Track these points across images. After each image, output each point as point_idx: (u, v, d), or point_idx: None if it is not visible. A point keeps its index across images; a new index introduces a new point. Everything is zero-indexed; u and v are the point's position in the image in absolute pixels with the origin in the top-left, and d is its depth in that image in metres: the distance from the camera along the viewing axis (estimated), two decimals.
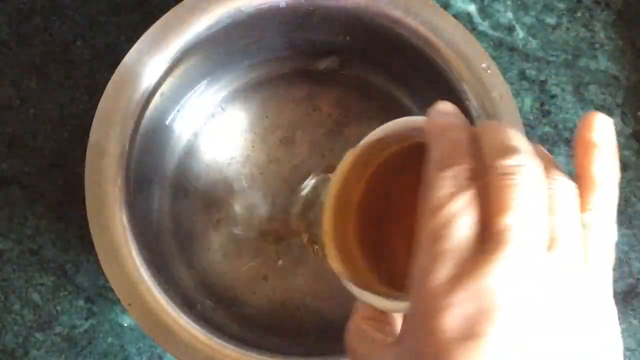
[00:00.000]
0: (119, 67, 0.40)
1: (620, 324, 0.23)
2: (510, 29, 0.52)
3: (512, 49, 0.51)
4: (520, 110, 0.50)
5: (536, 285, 0.21)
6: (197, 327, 0.38)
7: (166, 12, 0.41)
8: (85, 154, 0.39)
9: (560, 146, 0.50)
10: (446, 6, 0.51)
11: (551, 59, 0.51)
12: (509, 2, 0.52)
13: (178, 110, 0.46)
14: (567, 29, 0.52)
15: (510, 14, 0.52)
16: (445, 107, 0.26)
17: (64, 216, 0.48)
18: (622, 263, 0.49)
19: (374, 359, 0.26)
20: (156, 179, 0.46)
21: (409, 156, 0.28)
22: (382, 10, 0.41)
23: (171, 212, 0.46)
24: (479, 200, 0.22)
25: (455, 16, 0.46)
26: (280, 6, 0.42)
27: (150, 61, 0.40)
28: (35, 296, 0.47)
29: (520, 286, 0.21)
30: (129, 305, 0.37)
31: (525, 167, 0.22)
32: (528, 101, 0.51)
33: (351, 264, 0.30)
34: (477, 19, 0.52)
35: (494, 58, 0.41)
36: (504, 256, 0.21)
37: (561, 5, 0.52)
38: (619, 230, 0.24)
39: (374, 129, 0.28)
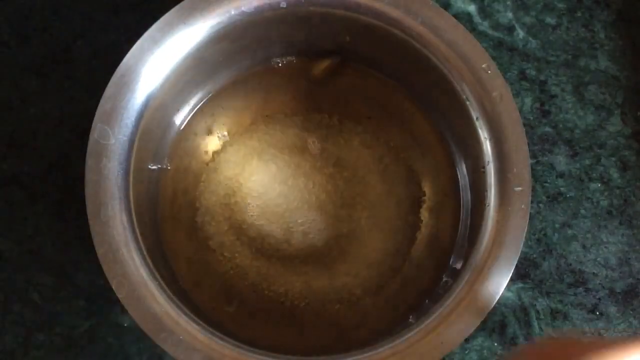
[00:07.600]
0: (119, 67, 0.40)
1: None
2: (510, 29, 0.52)
3: (512, 49, 0.51)
4: (520, 110, 0.50)
5: None
6: (197, 327, 0.38)
7: (166, 12, 0.41)
8: (85, 154, 0.39)
9: (560, 146, 0.50)
10: (446, 6, 0.51)
11: (551, 59, 0.51)
12: (509, 2, 0.52)
13: (178, 110, 0.46)
14: (567, 29, 0.52)
15: (510, 14, 0.52)
16: None
17: (64, 216, 0.48)
18: (622, 263, 0.48)
19: None
20: (156, 178, 0.46)
21: None
22: (382, 10, 0.41)
23: (171, 211, 0.46)
24: None
25: (455, 16, 0.46)
26: (281, 6, 0.42)
27: (150, 61, 0.40)
28: (35, 296, 0.47)
29: None
30: (129, 305, 0.37)
31: None
32: (528, 101, 0.51)
33: None
34: (477, 19, 0.52)
35: (494, 58, 0.41)
36: None
37: (561, 5, 0.52)
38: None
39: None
